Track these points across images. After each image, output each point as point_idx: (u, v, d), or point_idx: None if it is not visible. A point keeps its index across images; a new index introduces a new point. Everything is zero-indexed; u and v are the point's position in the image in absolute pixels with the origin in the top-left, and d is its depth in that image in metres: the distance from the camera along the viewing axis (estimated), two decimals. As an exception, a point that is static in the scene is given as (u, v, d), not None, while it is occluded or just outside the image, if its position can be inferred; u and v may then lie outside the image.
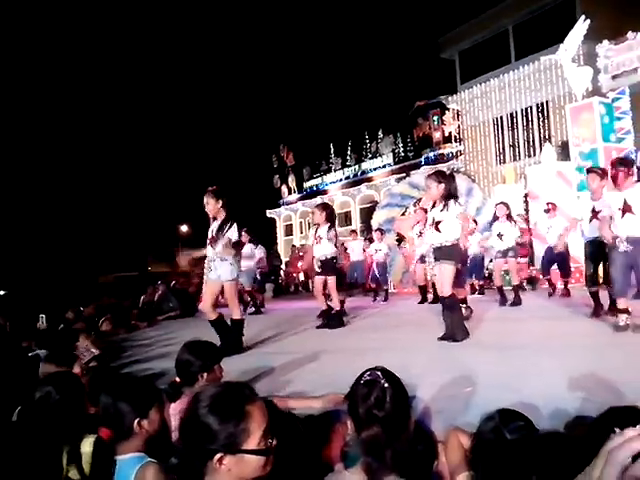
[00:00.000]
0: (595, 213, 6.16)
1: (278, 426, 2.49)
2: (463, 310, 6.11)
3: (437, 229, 5.53)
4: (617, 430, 0.94)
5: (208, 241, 5.90)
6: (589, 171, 6.56)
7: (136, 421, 2.24)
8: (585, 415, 2.57)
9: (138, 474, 2.11)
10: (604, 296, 6.26)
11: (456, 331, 5.33)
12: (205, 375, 3.13)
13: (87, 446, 2.61)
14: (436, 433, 2.57)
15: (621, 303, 5.32)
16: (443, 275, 5.47)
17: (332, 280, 7.36)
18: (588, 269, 6.35)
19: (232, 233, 5.79)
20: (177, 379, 3.23)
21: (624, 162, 5.50)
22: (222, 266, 5.77)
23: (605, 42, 13.33)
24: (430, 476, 2.22)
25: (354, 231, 13.71)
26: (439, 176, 5.67)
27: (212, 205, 5.85)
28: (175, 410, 2.89)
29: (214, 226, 5.87)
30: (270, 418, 1.66)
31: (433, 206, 5.68)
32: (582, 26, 11.91)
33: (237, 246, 5.93)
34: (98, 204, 42.40)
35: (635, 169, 5.40)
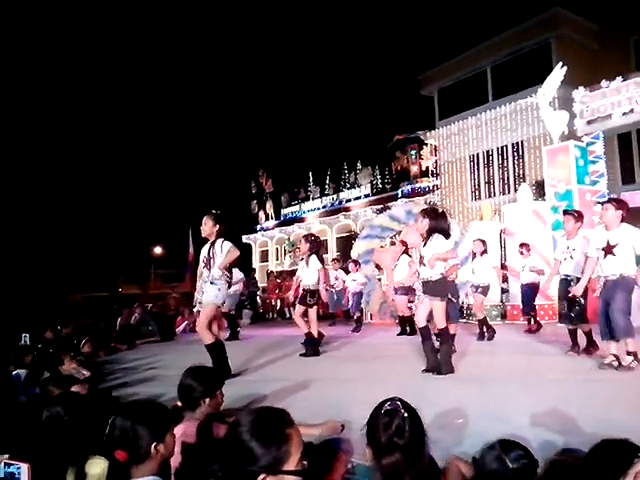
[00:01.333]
0: (569, 252, 6.44)
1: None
2: None
3: (422, 263, 5.72)
4: None
5: (203, 263, 5.98)
6: (565, 213, 6.85)
7: (153, 445, 2.29)
8: (572, 447, 2.73)
9: None
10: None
11: (443, 365, 5.47)
12: (207, 400, 3.21)
13: (94, 468, 2.66)
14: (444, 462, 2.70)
15: (610, 347, 5.45)
16: (434, 310, 5.59)
17: (313, 311, 7.49)
18: (561, 307, 6.56)
19: (227, 247, 5.85)
20: (179, 403, 3.29)
21: (617, 201, 5.74)
22: (210, 289, 5.82)
23: (581, 88, 13.93)
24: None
25: (337, 259, 13.82)
26: (425, 212, 5.84)
27: (209, 227, 5.94)
28: (177, 434, 2.95)
29: (206, 247, 5.98)
30: None
31: (423, 241, 5.86)
32: (559, 72, 12.43)
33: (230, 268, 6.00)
34: (70, 222, 41.84)
35: (622, 210, 5.56)
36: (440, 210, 5.99)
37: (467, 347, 7.44)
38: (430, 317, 5.72)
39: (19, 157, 44.68)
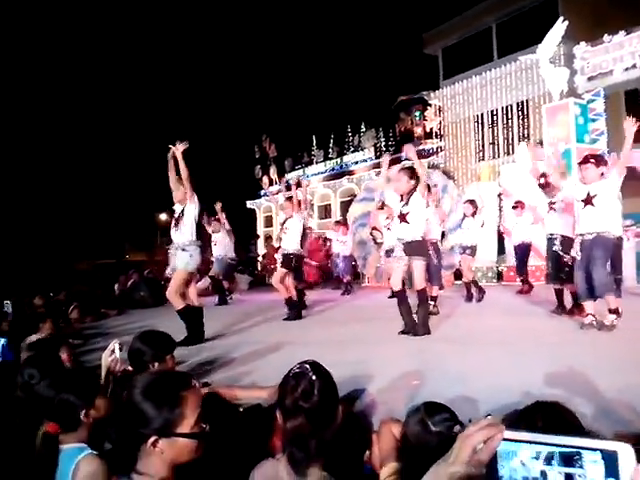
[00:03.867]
0: (551, 205, 6.33)
1: (218, 415, 2.53)
2: (430, 307, 6.25)
3: (405, 221, 5.61)
4: (472, 419, 1.03)
5: (172, 225, 5.93)
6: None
7: (83, 412, 2.26)
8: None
9: (77, 466, 2.12)
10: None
11: (419, 326, 5.41)
12: (156, 365, 3.14)
13: None
14: (379, 424, 2.63)
15: (587, 306, 5.38)
16: (415, 270, 5.56)
17: (290, 275, 7.43)
18: (548, 266, 6.45)
19: (191, 213, 5.80)
20: (129, 368, 3.24)
21: (595, 157, 5.58)
22: (182, 255, 5.81)
23: (582, 44, 13.46)
24: (361, 466, 2.27)
25: (339, 222, 13.65)
26: (412, 172, 5.71)
27: (181, 192, 5.86)
28: (127, 399, 2.90)
29: (178, 210, 5.90)
30: (207, 406, 1.75)
31: (401, 200, 5.73)
32: (560, 27, 12.02)
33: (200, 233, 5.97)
34: (77, 190, 41.96)
35: (604, 166, 5.43)
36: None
37: (454, 309, 7.37)
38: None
39: (24, 131, 44.48)
